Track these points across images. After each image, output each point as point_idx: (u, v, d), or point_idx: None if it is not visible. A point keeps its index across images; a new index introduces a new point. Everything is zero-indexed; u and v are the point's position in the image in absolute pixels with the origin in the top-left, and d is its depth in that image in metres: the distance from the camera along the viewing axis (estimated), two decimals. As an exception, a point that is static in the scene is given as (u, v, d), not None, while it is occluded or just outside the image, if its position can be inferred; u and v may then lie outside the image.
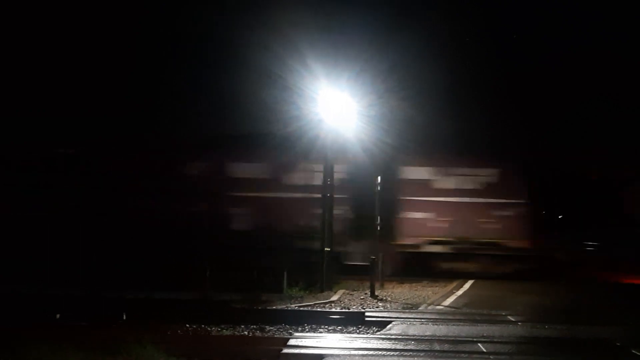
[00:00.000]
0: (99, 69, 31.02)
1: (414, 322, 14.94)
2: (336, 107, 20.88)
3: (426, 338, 13.03)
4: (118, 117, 27.83)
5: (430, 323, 14.85)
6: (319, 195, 21.69)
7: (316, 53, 22.44)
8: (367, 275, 20.21)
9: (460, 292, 20.58)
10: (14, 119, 26.64)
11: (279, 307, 17.21)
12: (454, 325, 14.67)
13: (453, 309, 17.46)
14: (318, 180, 22.30)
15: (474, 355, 11.52)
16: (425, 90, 28.25)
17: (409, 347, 12.18)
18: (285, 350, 11.78)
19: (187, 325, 14.77)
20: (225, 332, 14.39)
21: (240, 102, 27.87)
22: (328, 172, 21.27)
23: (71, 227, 23.99)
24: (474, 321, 15.23)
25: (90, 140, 26.59)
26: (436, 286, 22.26)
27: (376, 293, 19.52)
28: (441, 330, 13.99)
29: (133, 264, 20.82)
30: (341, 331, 14.63)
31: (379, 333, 13.95)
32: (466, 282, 22.90)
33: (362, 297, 19.11)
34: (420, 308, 17.56)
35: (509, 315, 16.21)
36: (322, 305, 17.62)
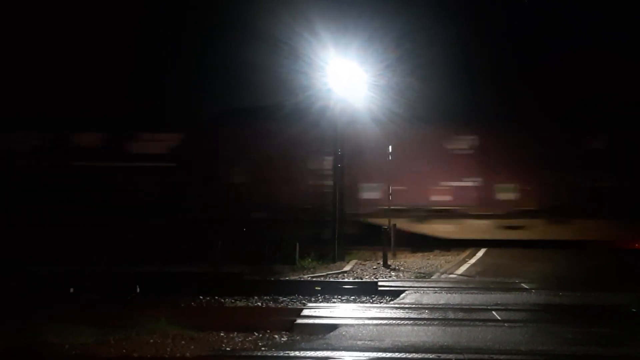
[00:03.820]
0: (102, 51, 30.80)
1: (427, 291, 14.87)
2: (345, 77, 20.68)
3: (440, 307, 12.98)
4: (122, 96, 27.70)
5: (443, 292, 14.79)
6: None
7: (325, 21, 22.18)
8: (379, 246, 20.16)
9: (473, 261, 20.50)
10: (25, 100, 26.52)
11: (292, 278, 17.22)
12: (467, 293, 14.61)
13: (466, 278, 17.40)
14: None
15: (489, 323, 11.45)
16: (435, 59, 27.88)
17: (422, 315, 12.13)
18: (299, 321, 11.76)
19: (201, 297, 14.83)
20: (239, 304, 14.43)
21: (248, 72, 27.67)
22: (339, 142, 21.15)
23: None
24: (488, 289, 15.17)
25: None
26: (448, 255, 22.19)
27: (389, 263, 19.48)
28: (455, 298, 13.93)
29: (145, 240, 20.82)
30: (354, 301, 14.63)
31: (392, 302, 13.91)
32: (479, 250, 22.79)
33: (374, 267, 19.08)
34: (433, 277, 17.51)
35: (523, 282, 16.13)
36: (334, 276, 17.61)
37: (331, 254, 20.44)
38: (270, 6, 27.38)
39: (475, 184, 24.93)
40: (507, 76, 29.06)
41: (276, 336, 10.94)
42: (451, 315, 12.20)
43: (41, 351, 9.74)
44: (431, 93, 25.50)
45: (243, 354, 9.65)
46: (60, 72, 29.26)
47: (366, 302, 14.43)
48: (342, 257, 20.48)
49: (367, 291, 15.46)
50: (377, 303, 14.30)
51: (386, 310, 12.86)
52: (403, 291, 14.74)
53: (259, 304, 14.39)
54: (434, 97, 25.56)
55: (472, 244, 23.75)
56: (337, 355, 9.13)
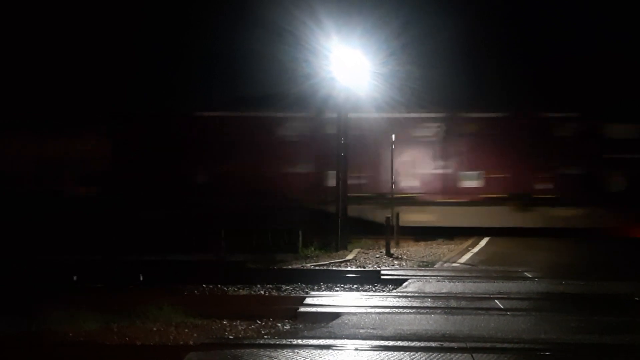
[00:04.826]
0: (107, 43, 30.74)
1: (430, 280, 14.87)
2: (349, 65, 20.63)
3: (442, 295, 12.97)
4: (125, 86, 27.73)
5: (446, 280, 14.79)
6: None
7: (328, 9, 22.08)
8: (382, 234, 20.16)
9: (476, 250, 20.50)
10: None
11: (295, 266, 17.25)
12: (470, 282, 14.60)
13: (469, 266, 17.40)
14: None
15: (491, 312, 11.44)
16: (439, 47, 27.79)
17: (425, 304, 12.12)
18: (302, 309, 11.77)
19: (204, 286, 14.84)
20: (242, 292, 14.44)
21: (251, 61, 27.60)
22: (342, 131, 21.10)
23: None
24: (491, 278, 15.16)
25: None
26: (452, 244, 22.21)
27: (391, 251, 19.49)
28: (457, 287, 13.92)
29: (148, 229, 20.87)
30: (357, 289, 14.63)
31: (395, 291, 13.91)
32: (482, 239, 22.81)
33: (377, 256, 19.10)
34: (436, 266, 17.51)
35: (526, 271, 16.13)
36: (337, 264, 17.63)
37: (334, 242, 20.46)
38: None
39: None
40: (510, 63, 29.01)
41: (279, 324, 10.97)
42: (454, 303, 12.19)
43: (45, 338, 9.77)
44: (434, 80, 25.49)
45: (246, 342, 9.64)
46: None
47: (369, 291, 14.44)
48: (345, 246, 20.50)
49: (370, 280, 15.47)
50: (379, 291, 14.30)
51: (389, 298, 12.85)
52: (406, 280, 14.74)
53: (262, 292, 14.40)
54: (436, 85, 25.57)
55: (475, 233, 23.81)
56: (339, 343, 9.13)
